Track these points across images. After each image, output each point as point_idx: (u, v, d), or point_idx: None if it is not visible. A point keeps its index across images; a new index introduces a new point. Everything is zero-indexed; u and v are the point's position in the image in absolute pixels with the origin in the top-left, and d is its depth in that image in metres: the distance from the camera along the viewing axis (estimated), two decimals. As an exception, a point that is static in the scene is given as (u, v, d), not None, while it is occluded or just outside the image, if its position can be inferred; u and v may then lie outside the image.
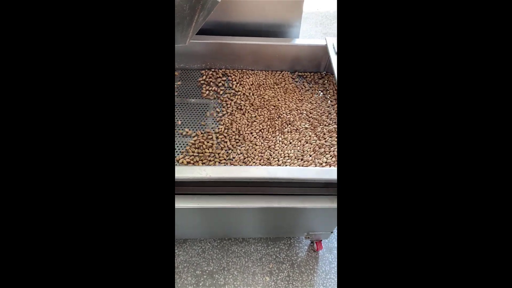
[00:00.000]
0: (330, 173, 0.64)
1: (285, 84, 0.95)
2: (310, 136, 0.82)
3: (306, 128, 0.84)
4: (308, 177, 0.63)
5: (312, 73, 0.99)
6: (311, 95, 0.93)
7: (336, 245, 1.03)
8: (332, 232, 0.91)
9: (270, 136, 0.82)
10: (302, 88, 0.95)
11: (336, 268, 0.99)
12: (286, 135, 0.82)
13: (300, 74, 0.99)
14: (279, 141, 0.81)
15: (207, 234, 0.99)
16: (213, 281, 0.95)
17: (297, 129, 0.84)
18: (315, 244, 0.99)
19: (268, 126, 0.84)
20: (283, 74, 0.98)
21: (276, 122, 0.85)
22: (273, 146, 0.79)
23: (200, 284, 0.94)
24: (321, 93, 0.94)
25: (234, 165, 0.75)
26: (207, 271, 0.96)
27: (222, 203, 0.69)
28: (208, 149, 0.78)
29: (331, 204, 0.70)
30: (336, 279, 0.96)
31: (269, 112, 0.87)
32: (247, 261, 0.99)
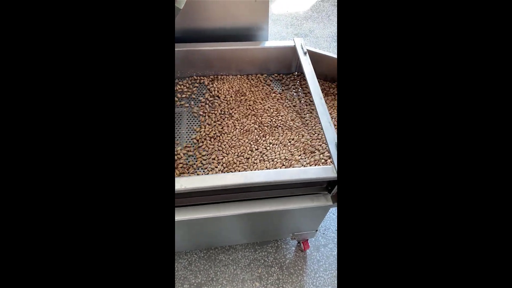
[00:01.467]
0: (307, 173, 0.64)
1: (263, 86, 0.95)
2: (302, 135, 0.83)
3: (298, 128, 0.84)
4: (286, 178, 0.63)
5: (286, 75, 1.00)
6: (291, 95, 0.93)
7: (322, 243, 1.03)
8: (317, 231, 0.91)
9: (260, 139, 0.82)
10: (280, 90, 0.95)
11: (324, 266, 0.99)
12: (277, 136, 0.82)
13: (274, 76, 0.99)
14: (269, 142, 0.81)
15: (192, 246, 0.97)
16: (202, 293, 0.92)
17: (289, 128, 0.84)
18: (301, 244, 0.99)
19: (257, 130, 0.84)
20: (257, 77, 0.98)
21: (265, 125, 0.85)
22: (263, 150, 0.79)
23: (189, 298, 0.91)
24: (294, 93, 0.94)
25: (230, 171, 0.74)
26: (195, 284, 0.94)
27: (203, 214, 0.67)
28: (188, 159, 0.77)
29: (312, 203, 0.70)
30: (325, 277, 0.97)
31: (255, 115, 0.87)
32: (235, 268, 0.97)
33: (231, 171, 0.74)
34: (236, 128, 0.84)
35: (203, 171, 0.75)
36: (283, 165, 0.75)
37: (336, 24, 1.88)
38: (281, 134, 0.83)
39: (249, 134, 0.82)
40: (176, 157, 0.77)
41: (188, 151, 0.79)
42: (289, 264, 0.99)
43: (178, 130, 0.84)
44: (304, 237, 0.96)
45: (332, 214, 1.10)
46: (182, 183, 0.59)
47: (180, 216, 0.66)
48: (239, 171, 0.74)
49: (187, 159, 0.78)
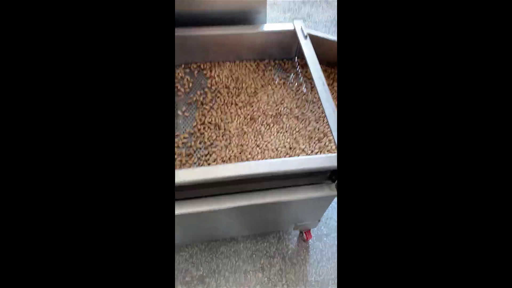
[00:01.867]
0: (312, 162, 0.62)
1: (263, 73, 0.91)
2: (309, 122, 0.79)
3: (304, 115, 0.81)
4: (291, 168, 0.60)
5: (287, 60, 0.95)
6: (294, 81, 0.90)
7: (325, 232, 1.02)
8: (319, 220, 0.90)
9: (263, 127, 0.78)
10: (282, 76, 0.91)
11: (327, 255, 0.98)
12: (282, 124, 0.79)
13: (274, 62, 0.95)
14: (276, 131, 0.77)
15: (192, 240, 0.95)
16: (204, 285, 0.91)
17: (295, 116, 0.81)
18: (304, 234, 0.98)
19: (261, 118, 0.80)
20: (257, 63, 0.94)
21: (270, 113, 0.81)
22: (268, 138, 0.76)
23: (191, 291, 0.90)
24: (296, 79, 0.91)
25: (233, 162, 0.71)
26: (197, 276, 0.93)
27: (204, 207, 0.65)
28: (188, 149, 0.73)
29: (316, 193, 0.68)
30: (328, 266, 0.96)
31: (259, 102, 0.83)
32: (237, 260, 0.96)
33: (234, 162, 0.72)
34: (240, 117, 0.80)
35: (204, 162, 0.72)
36: (288, 154, 0.73)
37: (335, 8, 1.83)
38: (286, 122, 0.79)
39: (253, 122, 0.79)
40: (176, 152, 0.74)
41: (186, 141, 0.76)
42: (292, 254, 0.98)
43: (175, 120, 0.81)
44: (306, 227, 0.94)
45: (334, 203, 1.09)
46: (181, 176, 0.56)
47: (180, 210, 0.64)
48: (242, 161, 0.72)
49: (187, 149, 0.74)
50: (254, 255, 0.97)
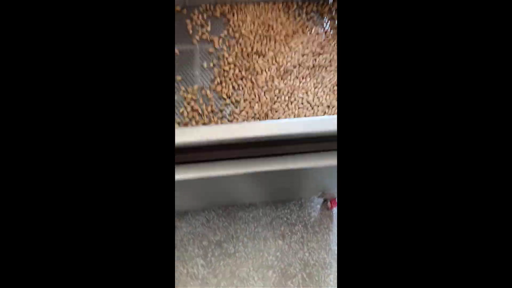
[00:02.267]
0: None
1: (294, 16, 0.77)
2: None
3: None
4: (330, 129, 0.51)
5: (321, 2, 0.80)
6: (331, 28, 0.76)
7: (350, 201, 0.96)
8: (348, 189, 0.82)
9: (297, 82, 0.68)
10: (318, 21, 0.77)
11: (352, 225, 0.93)
12: (320, 79, 0.68)
13: (308, 3, 0.80)
14: (312, 85, 0.67)
15: (208, 203, 0.90)
16: (222, 250, 0.88)
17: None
18: (328, 202, 0.91)
19: (296, 70, 0.69)
20: (286, 5, 0.79)
21: (305, 64, 0.69)
22: (304, 95, 0.66)
23: (209, 255, 0.87)
24: (332, 25, 0.77)
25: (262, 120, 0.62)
26: (214, 241, 0.89)
27: (225, 170, 0.57)
28: (216, 103, 0.64)
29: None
30: (352, 236, 0.91)
31: (291, 52, 0.71)
32: (256, 226, 0.92)
33: (263, 120, 0.62)
34: (270, 69, 0.69)
35: (233, 119, 0.63)
36: (325, 113, 0.63)
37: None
38: (326, 76, 0.68)
39: (287, 75, 0.68)
40: (188, 103, 0.65)
41: (208, 96, 0.66)
42: (314, 222, 0.92)
43: (190, 71, 0.70)
44: (332, 195, 0.88)
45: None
46: (204, 133, 0.47)
47: (196, 173, 0.57)
48: (273, 119, 0.62)
49: (208, 106, 0.65)
50: (274, 222, 0.92)
